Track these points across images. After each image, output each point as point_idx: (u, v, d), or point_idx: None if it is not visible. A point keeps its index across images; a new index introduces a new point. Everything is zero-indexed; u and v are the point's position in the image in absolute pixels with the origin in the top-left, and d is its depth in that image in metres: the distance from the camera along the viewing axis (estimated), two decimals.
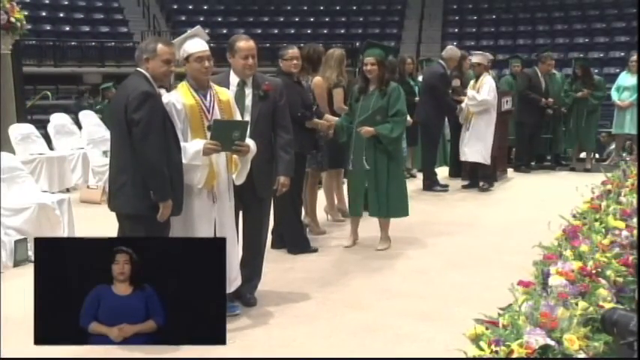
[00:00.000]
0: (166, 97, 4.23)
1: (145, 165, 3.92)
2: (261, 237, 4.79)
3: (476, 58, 9.22)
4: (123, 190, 4.01)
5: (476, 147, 8.82)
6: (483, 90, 8.79)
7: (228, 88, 4.58)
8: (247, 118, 4.58)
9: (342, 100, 6.82)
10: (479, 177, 8.99)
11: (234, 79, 4.63)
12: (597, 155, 11.47)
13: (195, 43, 4.24)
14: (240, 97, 4.61)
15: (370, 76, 5.95)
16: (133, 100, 3.91)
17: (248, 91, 4.63)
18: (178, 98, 4.20)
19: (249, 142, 4.32)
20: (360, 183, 6.06)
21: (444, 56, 9.19)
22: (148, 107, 3.91)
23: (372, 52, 5.99)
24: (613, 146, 11.15)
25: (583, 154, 10.82)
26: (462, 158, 9.10)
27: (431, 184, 8.95)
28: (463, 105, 8.90)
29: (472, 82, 9.09)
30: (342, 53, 7.02)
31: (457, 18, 23.67)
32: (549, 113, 10.45)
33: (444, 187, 8.94)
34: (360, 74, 6.13)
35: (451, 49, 9.39)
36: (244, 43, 4.61)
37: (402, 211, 6.17)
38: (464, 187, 9.12)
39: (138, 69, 4.11)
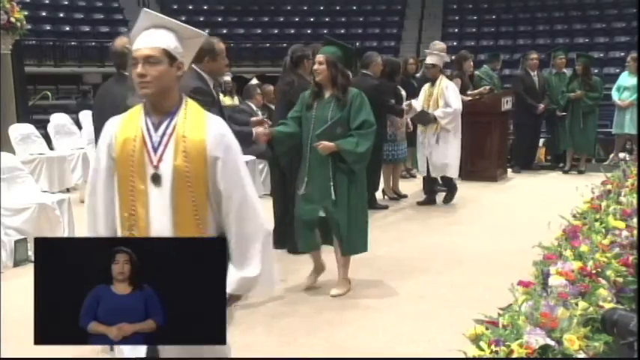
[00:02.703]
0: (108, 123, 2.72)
1: None
2: None
3: (431, 58, 7.92)
4: None
5: (447, 160, 7.83)
6: (451, 99, 7.76)
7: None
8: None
9: None
10: (450, 189, 8.10)
11: (209, 82, 4.46)
12: (599, 154, 11.44)
13: (139, 37, 2.61)
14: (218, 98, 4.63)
15: (318, 77, 4.91)
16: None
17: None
18: (115, 126, 2.65)
19: None
20: (314, 211, 4.91)
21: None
22: None
23: (324, 50, 5.01)
24: None
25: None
26: (434, 174, 7.99)
27: None
28: (414, 104, 7.85)
29: (426, 87, 7.93)
30: None
31: (457, 18, 23.68)
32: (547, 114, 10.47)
33: (444, 187, 8.93)
34: (312, 77, 5.09)
35: (434, 45, 9.03)
36: (223, 45, 4.58)
37: (361, 246, 5.07)
38: (419, 203, 8.07)
39: (122, 72, 3.95)
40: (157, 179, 2.58)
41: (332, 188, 4.84)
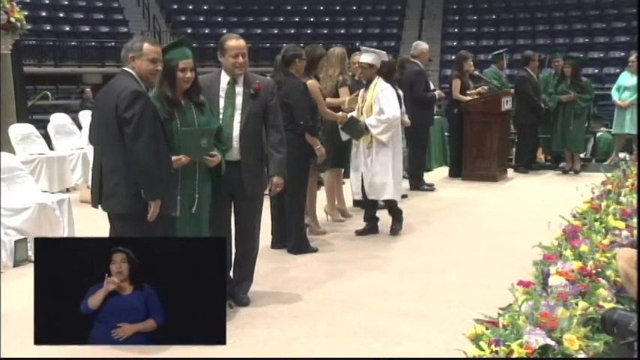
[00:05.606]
0: None
1: (136, 163, 3.91)
2: (253, 237, 4.73)
3: (367, 57, 6.53)
4: (115, 189, 3.99)
5: (386, 179, 6.38)
6: (385, 104, 6.29)
7: (219, 87, 4.57)
8: (238, 117, 4.56)
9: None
10: (394, 216, 6.62)
11: (224, 78, 4.60)
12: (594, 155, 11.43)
13: None
14: (230, 95, 4.58)
15: (187, 85, 4.25)
16: (124, 99, 3.89)
17: (239, 90, 4.61)
18: None
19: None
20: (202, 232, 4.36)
21: (414, 54, 9.08)
22: (139, 106, 3.90)
23: (187, 54, 4.26)
24: None
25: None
26: (371, 197, 6.49)
27: (416, 183, 8.93)
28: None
29: (361, 92, 6.55)
30: (343, 51, 7.06)
31: (457, 18, 23.69)
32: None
33: (430, 187, 8.95)
34: (169, 83, 4.23)
35: (417, 45, 9.19)
36: (234, 42, 4.57)
37: None
38: (358, 233, 6.56)
39: (124, 68, 4.09)
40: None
41: (196, 201, 4.27)
